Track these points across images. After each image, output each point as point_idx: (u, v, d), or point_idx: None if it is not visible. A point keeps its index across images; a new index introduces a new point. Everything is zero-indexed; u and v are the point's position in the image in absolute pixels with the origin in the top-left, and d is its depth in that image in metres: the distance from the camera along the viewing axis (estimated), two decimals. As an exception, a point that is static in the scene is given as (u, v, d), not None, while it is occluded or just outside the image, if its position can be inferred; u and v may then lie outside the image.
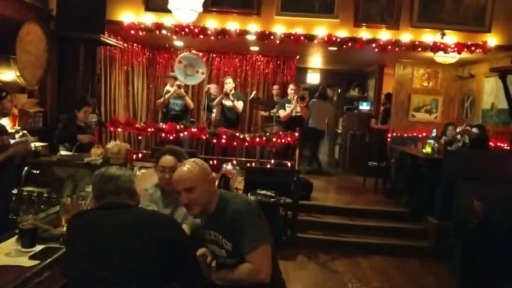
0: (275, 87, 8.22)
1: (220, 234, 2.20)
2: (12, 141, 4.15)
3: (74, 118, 5.11)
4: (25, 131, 4.79)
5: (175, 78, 7.31)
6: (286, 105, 7.07)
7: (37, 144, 4.73)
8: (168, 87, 7.39)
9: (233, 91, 7.37)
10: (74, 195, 3.41)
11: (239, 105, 7.36)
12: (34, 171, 4.31)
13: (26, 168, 4.18)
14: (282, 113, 6.98)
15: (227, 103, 7.35)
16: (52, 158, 4.55)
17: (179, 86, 7.07)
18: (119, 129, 6.38)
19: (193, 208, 2.18)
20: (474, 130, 6.07)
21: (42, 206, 3.28)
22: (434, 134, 6.87)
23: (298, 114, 6.99)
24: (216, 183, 2.46)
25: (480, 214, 4.38)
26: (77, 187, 4.01)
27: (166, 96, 7.17)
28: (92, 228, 1.85)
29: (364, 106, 10.40)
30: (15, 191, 3.62)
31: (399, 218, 6.23)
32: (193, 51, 8.07)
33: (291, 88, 7.16)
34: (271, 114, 7.53)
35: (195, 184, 2.14)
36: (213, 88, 7.84)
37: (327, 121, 10.22)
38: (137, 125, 6.31)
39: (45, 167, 4.44)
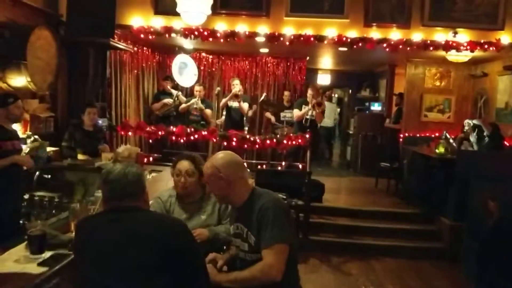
0: (286, 93, 8.16)
1: (246, 226, 2.27)
2: (24, 146, 4.18)
3: (81, 124, 5.12)
4: (36, 136, 4.82)
5: (172, 80, 7.51)
6: (303, 106, 6.98)
7: (49, 149, 4.76)
8: (172, 91, 7.47)
9: (241, 92, 7.33)
10: (84, 199, 3.42)
11: (245, 106, 7.33)
12: (46, 176, 4.35)
13: (37, 173, 4.20)
14: (296, 113, 6.92)
15: (234, 104, 7.32)
16: (63, 163, 4.57)
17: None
18: (130, 133, 6.39)
19: (218, 198, 2.51)
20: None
21: (53, 211, 3.29)
22: (444, 136, 6.76)
23: (312, 118, 6.91)
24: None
25: (495, 215, 4.30)
26: (88, 191, 4.01)
27: (184, 106, 7.25)
28: (97, 235, 1.83)
29: (376, 107, 10.32)
30: (26, 196, 3.64)
31: (412, 220, 6.16)
32: (203, 54, 8.12)
33: (309, 92, 7.09)
34: (282, 119, 7.51)
35: (207, 179, 2.34)
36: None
37: (335, 120, 10.32)
38: (147, 129, 6.32)
39: (57, 171, 4.47)
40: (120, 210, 1.86)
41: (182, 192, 2.88)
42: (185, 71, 7.59)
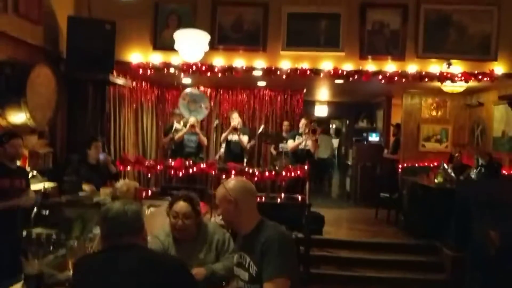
0: (285, 123, 8.22)
1: (249, 256, 2.24)
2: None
3: (86, 157, 5.13)
4: (35, 172, 4.82)
5: (180, 115, 7.37)
6: (297, 137, 7.03)
7: (47, 184, 4.75)
8: (175, 124, 7.44)
9: (240, 125, 7.37)
10: (82, 236, 3.38)
11: (245, 139, 7.35)
12: (44, 212, 4.31)
13: (35, 209, 4.17)
14: (290, 144, 6.96)
15: (233, 137, 7.34)
16: (61, 198, 4.54)
17: (192, 126, 7.04)
18: (129, 167, 6.39)
19: (225, 222, 2.43)
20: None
21: (51, 248, 3.25)
22: (442, 166, 6.78)
23: (307, 147, 6.94)
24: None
25: (497, 245, 4.26)
26: (86, 227, 3.98)
27: (180, 134, 7.14)
28: (95, 274, 1.81)
29: (374, 137, 10.38)
30: (24, 233, 3.61)
31: (414, 251, 6.09)
32: (201, 88, 8.19)
33: (302, 122, 7.14)
34: (281, 149, 7.52)
35: (218, 202, 2.32)
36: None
37: (332, 152, 10.47)
38: (146, 163, 6.33)
39: (55, 207, 4.44)
40: (119, 248, 1.85)
41: (179, 236, 2.82)
42: (193, 105, 7.57)
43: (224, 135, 7.41)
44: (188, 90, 7.74)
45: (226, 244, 2.88)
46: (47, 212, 4.34)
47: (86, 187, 4.87)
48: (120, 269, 1.78)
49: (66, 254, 2.73)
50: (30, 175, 4.62)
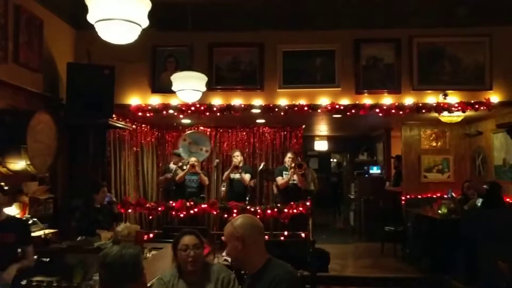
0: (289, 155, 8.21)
1: None
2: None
3: (92, 202, 5.15)
4: (35, 219, 4.79)
5: (179, 156, 7.38)
6: (284, 172, 7.02)
7: (47, 231, 4.71)
8: (171, 165, 7.45)
9: (241, 164, 7.37)
10: (83, 283, 3.33)
11: (247, 177, 7.32)
12: (44, 259, 4.25)
13: (35, 257, 4.12)
14: (280, 181, 6.93)
15: (236, 176, 7.32)
16: (62, 245, 4.49)
17: (193, 166, 7.04)
18: (130, 210, 6.36)
19: (232, 260, 2.40)
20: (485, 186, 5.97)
21: (52, 297, 3.19)
22: (449, 195, 6.75)
23: (294, 182, 6.91)
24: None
25: (508, 276, 4.18)
26: (88, 273, 3.92)
27: (181, 174, 7.11)
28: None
29: (375, 170, 10.35)
30: (24, 282, 3.54)
31: (421, 285, 5.98)
32: (200, 128, 8.24)
33: (288, 157, 7.14)
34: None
35: (226, 239, 2.31)
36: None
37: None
38: (147, 205, 6.30)
39: (55, 254, 4.38)
40: None
41: (192, 267, 2.79)
42: (194, 147, 7.59)
43: (226, 173, 7.38)
44: (189, 131, 7.78)
45: (231, 284, 2.83)
46: (48, 259, 4.29)
47: (101, 232, 4.81)
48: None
49: (66, 303, 2.67)
50: (30, 221, 4.60)
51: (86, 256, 4.12)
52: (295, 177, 6.81)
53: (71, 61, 6.02)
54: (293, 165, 6.81)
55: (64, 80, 5.67)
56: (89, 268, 3.96)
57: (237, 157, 7.27)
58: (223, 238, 2.32)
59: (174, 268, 2.90)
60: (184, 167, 7.19)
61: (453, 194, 6.90)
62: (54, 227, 4.98)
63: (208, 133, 8.53)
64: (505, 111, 6.33)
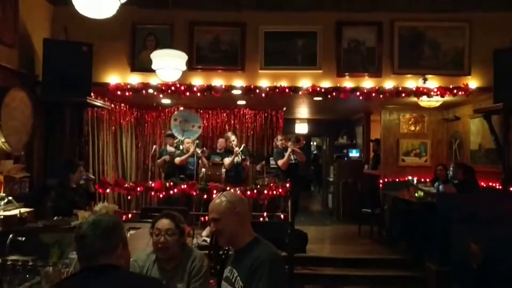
0: (279, 137, 8.15)
1: (237, 271, 2.21)
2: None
3: (68, 182, 5.08)
4: (10, 198, 4.70)
5: (173, 137, 7.32)
6: (284, 153, 6.97)
7: (23, 210, 4.63)
8: (168, 147, 7.42)
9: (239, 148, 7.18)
10: (60, 262, 3.29)
11: (248, 162, 7.27)
12: (20, 239, 4.19)
13: (10, 235, 4.05)
14: (280, 162, 6.90)
15: (237, 160, 7.14)
16: (38, 224, 4.43)
17: (187, 150, 7.01)
18: (108, 190, 6.29)
19: (220, 238, 2.29)
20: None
21: (27, 276, 3.15)
22: (413, 181, 6.96)
23: (295, 161, 6.90)
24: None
25: (479, 257, 4.29)
26: (64, 253, 3.87)
27: (183, 158, 7.03)
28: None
29: (354, 154, 10.45)
30: (-1, 261, 3.49)
31: (398, 266, 6.10)
32: (181, 109, 8.17)
33: (279, 139, 7.11)
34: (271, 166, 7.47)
35: (219, 216, 2.24)
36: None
37: None
38: (126, 185, 6.24)
39: (31, 233, 4.32)
40: (91, 270, 1.73)
41: (161, 254, 2.71)
42: (186, 125, 7.54)
43: (229, 162, 7.11)
44: (178, 112, 7.74)
45: (197, 268, 2.75)
46: (23, 238, 4.22)
47: (78, 212, 4.74)
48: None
49: (42, 281, 2.64)
50: (5, 200, 4.52)
51: (63, 236, 4.08)
52: (295, 155, 6.79)
53: (48, 37, 5.85)
54: (289, 143, 6.81)
55: (40, 57, 5.52)
56: (66, 247, 3.92)
57: (234, 141, 7.13)
58: (208, 217, 2.29)
59: (151, 250, 2.81)
60: (181, 147, 7.20)
61: (415, 180, 7.10)
62: (30, 206, 4.89)
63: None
64: (482, 96, 6.42)
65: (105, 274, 1.74)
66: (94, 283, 1.71)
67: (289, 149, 6.76)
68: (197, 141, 8.12)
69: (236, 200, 2.29)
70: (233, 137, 7.19)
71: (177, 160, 7.08)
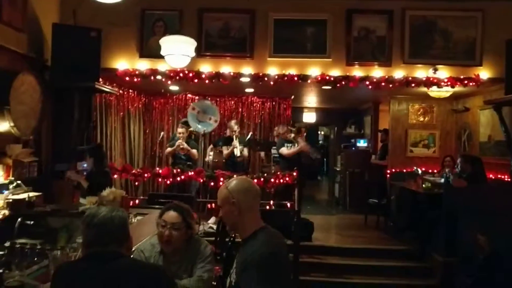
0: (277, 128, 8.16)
1: (236, 263, 2.18)
2: (5, 192, 4.03)
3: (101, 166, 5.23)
4: (19, 182, 4.73)
5: (187, 125, 7.24)
6: (286, 144, 6.98)
7: (31, 194, 4.66)
8: (177, 135, 7.37)
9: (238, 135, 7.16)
10: (67, 246, 3.31)
11: (245, 152, 7.15)
12: (28, 222, 4.23)
13: (19, 219, 4.09)
14: (285, 151, 6.86)
15: (236, 151, 7.09)
16: (46, 208, 4.46)
17: (182, 149, 6.89)
18: (116, 176, 6.32)
19: (227, 225, 2.32)
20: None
21: (35, 259, 3.18)
22: (418, 171, 6.95)
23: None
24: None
25: (486, 249, 4.27)
26: (72, 237, 3.90)
27: (168, 149, 7.05)
28: (75, 283, 1.76)
29: (362, 143, 10.41)
30: (7, 244, 3.52)
31: (403, 256, 6.08)
32: (188, 95, 8.15)
33: (281, 132, 7.05)
34: (271, 154, 7.46)
35: (220, 203, 2.22)
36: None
37: None
38: (133, 171, 6.27)
39: (39, 217, 4.35)
40: (102, 256, 1.79)
41: (165, 247, 2.70)
42: (203, 116, 7.45)
43: (227, 153, 7.10)
44: (198, 102, 7.67)
45: (202, 255, 2.76)
46: (32, 222, 4.26)
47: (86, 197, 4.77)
48: (102, 278, 1.73)
49: (49, 265, 2.66)
50: (14, 184, 4.55)
51: (71, 220, 4.11)
52: (301, 144, 6.76)
53: (57, 22, 5.83)
54: (292, 135, 6.80)
55: (49, 42, 5.51)
56: (74, 232, 3.96)
57: (235, 131, 7.08)
58: (213, 205, 2.26)
59: (156, 240, 2.79)
60: (176, 137, 7.09)
61: (419, 171, 7.13)
62: (38, 191, 4.93)
63: (196, 100, 8.43)
64: (493, 87, 6.34)
65: (114, 260, 1.80)
66: (107, 267, 1.76)
67: (299, 145, 6.72)
68: (205, 128, 8.08)
69: (236, 190, 2.17)
70: (235, 127, 7.14)
71: (166, 151, 7.05)
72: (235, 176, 5.99)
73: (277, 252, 2.10)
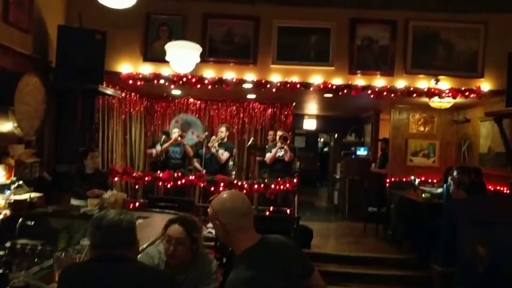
0: (271, 132, 8.19)
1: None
2: (7, 192, 4.05)
3: (83, 169, 5.14)
4: (21, 182, 4.74)
5: (168, 136, 7.20)
6: (273, 149, 7.09)
7: (33, 194, 4.67)
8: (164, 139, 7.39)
9: (225, 140, 7.19)
10: (69, 247, 3.32)
11: (224, 156, 7.10)
12: (29, 223, 4.23)
13: (20, 219, 4.10)
14: (268, 156, 7.03)
15: (211, 152, 7.11)
16: (48, 209, 4.47)
17: (181, 136, 6.94)
18: (116, 178, 6.33)
19: None
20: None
21: (36, 260, 3.18)
22: (414, 181, 6.97)
23: (281, 157, 6.95)
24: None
25: (485, 261, 4.28)
26: (73, 238, 3.91)
27: (165, 145, 6.99)
28: (83, 285, 1.77)
29: (362, 151, 10.42)
30: (8, 244, 3.53)
31: (402, 266, 6.09)
32: (190, 100, 8.18)
33: (271, 134, 7.23)
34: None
35: (210, 219, 2.04)
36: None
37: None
38: (134, 174, 6.28)
39: (40, 218, 4.36)
40: (110, 258, 1.81)
41: (171, 260, 2.68)
42: (186, 129, 7.52)
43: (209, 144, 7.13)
44: (182, 115, 7.72)
45: (207, 273, 2.74)
46: (32, 222, 4.27)
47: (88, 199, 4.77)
48: (110, 281, 1.74)
49: (53, 266, 2.66)
50: (16, 184, 4.56)
51: (72, 221, 4.12)
52: (282, 152, 6.85)
53: (62, 23, 5.87)
54: (278, 137, 6.89)
55: (54, 43, 5.55)
56: (75, 233, 3.97)
57: (221, 133, 7.14)
58: (209, 210, 2.07)
59: (162, 248, 2.76)
60: (160, 141, 7.09)
61: (417, 180, 7.14)
62: (40, 191, 4.94)
63: (198, 104, 8.49)
64: (494, 99, 6.37)
65: (122, 263, 1.82)
66: (115, 270, 1.78)
67: (277, 146, 6.84)
68: (206, 133, 8.08)
69: (219, 210, 1.98)
70: (222, 129, 7.17)
71: (159, 148, 6.97)
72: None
73: (251, 283, 1.87)
